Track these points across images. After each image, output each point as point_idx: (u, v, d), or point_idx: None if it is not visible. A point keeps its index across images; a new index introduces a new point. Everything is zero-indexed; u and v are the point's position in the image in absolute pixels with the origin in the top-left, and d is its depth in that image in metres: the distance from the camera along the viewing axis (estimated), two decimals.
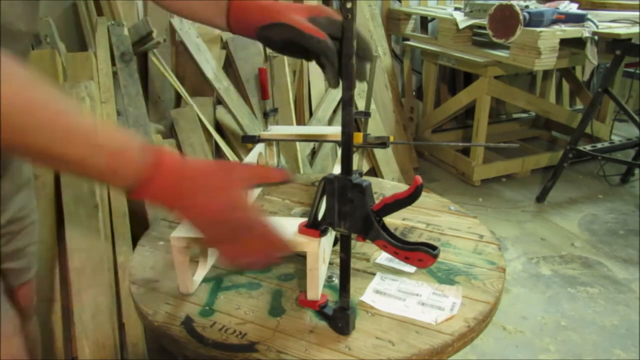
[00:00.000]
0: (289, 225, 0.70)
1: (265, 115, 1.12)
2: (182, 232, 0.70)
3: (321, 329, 0.70)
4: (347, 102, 0.61)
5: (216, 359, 0.66)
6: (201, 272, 0.78)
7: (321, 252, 0.69)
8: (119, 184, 0.51)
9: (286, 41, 0.62)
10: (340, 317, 0.69)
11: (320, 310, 0.71)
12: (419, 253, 0.62)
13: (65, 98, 0.48)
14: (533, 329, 1.71)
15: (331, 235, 0.83)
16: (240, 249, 0.58)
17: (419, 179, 0.60)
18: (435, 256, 0.61)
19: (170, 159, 0.52)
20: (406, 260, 0.63)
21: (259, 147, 1.09)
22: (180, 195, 0.53)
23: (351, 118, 0.62)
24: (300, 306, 0.74)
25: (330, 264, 0.83)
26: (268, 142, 1.11)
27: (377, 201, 0.64)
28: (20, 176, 0.81)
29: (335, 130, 1.10)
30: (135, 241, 1.62)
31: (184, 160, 0.54)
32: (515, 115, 3.52)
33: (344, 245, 0.67)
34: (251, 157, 1.04)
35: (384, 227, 0.64)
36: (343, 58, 0.60)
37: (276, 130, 1.11)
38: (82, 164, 0.48)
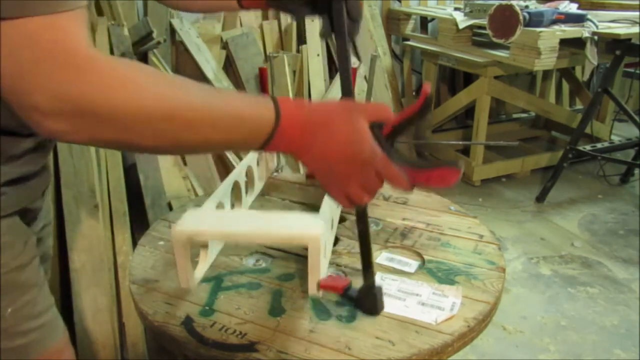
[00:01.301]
0: (290, 219, 0.70)
1: None
2: (184, 225, 0.70)
3: (321, 329, 0.70)
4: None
5: (216, 358, 0.66)
6: (202, 268, 0.78)
7: (322, 244, 0.69)
8: (252, 148, 0.56)
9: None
10: (366, 297, 0.65)
11: (344, 293, 0.67)
12: (441, 169, 0.56)
13: (207, 89, 0.52)
14: (533, 329, 1.71)
15: (332, 232, 0.83)
16: (366, 185, 0.58)
17: (428, 87, 0.55)
18: (460, 168, 0.56)
19: (295, 110, 0.55)
20: (427, 182, 0.57)
21: None
22: (307, 142, 0.55)
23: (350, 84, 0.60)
24: (301, 305, 0.74)
25: (331, 264, 0.83)
26: None
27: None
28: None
29: None
30: (135, 241, 1.62)
31: (307, 108, 0.56)
32: (515, 115, 3.52)
33: (359, 215, 0.63)
34: (251, 159, 1.04)
35: (397, 152, 0.59)
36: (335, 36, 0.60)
37: None
38: (233, 144, 0.55)
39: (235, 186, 0.92)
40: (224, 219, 0.71)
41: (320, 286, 0.69)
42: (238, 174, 0.93)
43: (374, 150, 0.56)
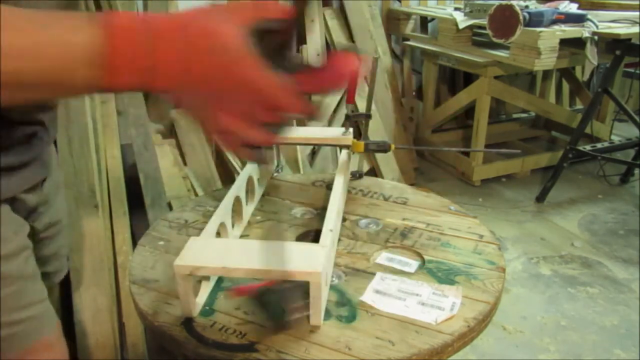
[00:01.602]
0: (292, 251, 0.69)
1: None
2: (185, 260, 0.68)
3: (321, 329, 0.70)
4: None
5: (216, 358, 0.66)
6: (203, 295, 0.77)
7: (324, 277, 0.68)
8: (81, 88, 0.42)
9: None
10: (266, 301, 0.53)
11: (255, 298, 0.57)
12: (332, 60, 0.43)
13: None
14: (533, 329, 1.71)
15: (332, 252, 0.82)
16: (245, 112, 0.44)
17: None
18: (353, 50, 0.43)
19: (131, 25, 0.41)
20: (324, 84, 0.44)
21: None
22: (154, 63, 0.41)
23: None
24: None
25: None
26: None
27: None
28: (57, 177, 0.81)
29: (334, 133, 1.10)
30: (135, 241, 1.62)
31: (148, 19, 0.41)
32: (515, 115, 3.52)
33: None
34: (251, 169, 1.03)
35: (295, 61, 0.45)
36: None
37: None
38: (43, 79, 0.41)
39: (237, 197, 0.92)
40: (225, 253, 0.70)
41: (234, 293, 0.61)
42: (238, 187, 0.93)
43: (246, 61, 0.41)
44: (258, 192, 1.07)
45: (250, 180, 1.01)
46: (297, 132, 1.16)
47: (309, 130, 1.26)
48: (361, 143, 1.05)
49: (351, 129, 1.09)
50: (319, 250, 0.70)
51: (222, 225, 0.84)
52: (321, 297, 0.68)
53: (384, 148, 1.05)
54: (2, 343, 0.65)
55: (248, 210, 1.00)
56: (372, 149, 1.06)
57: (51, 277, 0.86)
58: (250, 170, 1.00)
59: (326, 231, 0.78)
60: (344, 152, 1.10)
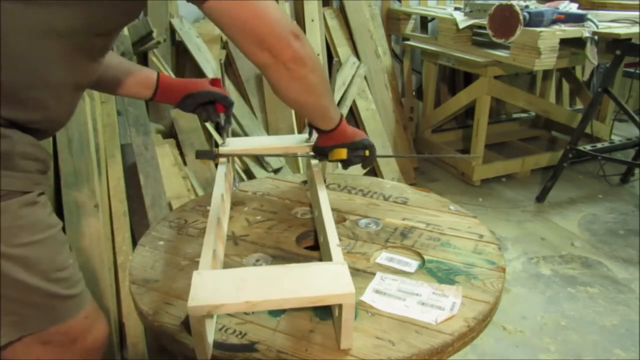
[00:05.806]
0: (313, 275, 0.65)
1: (219, 128, 1.03)
2: (200, 299, 0.61)
3: (321, 329, 0.70)
4: None
5: (216, 358, 0.66)
6: (210, 332, 0.68)
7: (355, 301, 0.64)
8: (328, 128, 0.92)
9: (204, 102, 1.00)
10: None
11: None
12: None
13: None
14: (533, 329, 1.71)
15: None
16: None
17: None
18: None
19: (344, 122, 0.94)
20: None
21: (223, 167, 1.02)
22: (347, 135, 0.95)
23: None
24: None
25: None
26: (227, 157, 1.04)
27: None
28: None
29: (299, 140, 1.07)
30: (135, 241, 1.62)
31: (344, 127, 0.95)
32: (515, 115, 3.52)
33: None
34: (219, 178, 0.98)
35: None
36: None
37: (235, 144, 1.05)
38: (331, 118, 0.91)
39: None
40: (240, 285, 0.63)
41: None
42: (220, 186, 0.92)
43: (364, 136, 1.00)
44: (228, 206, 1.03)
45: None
46: (261, 142, 1.13)
47: (273, 138, 1.25)
48: (344, 150, 0.96)
49: (315, 135, 1.00)
50: (341, 269, 0.66)
51: (219, 222, 0.84)
52: (353, 319, 0.64)
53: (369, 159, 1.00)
54: (72, 300, 0.75)
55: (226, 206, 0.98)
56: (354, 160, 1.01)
57: None
58: (220, 177, 0.99)
59: (334, 246, 0.75)
60: (315, 162, 1.05)
